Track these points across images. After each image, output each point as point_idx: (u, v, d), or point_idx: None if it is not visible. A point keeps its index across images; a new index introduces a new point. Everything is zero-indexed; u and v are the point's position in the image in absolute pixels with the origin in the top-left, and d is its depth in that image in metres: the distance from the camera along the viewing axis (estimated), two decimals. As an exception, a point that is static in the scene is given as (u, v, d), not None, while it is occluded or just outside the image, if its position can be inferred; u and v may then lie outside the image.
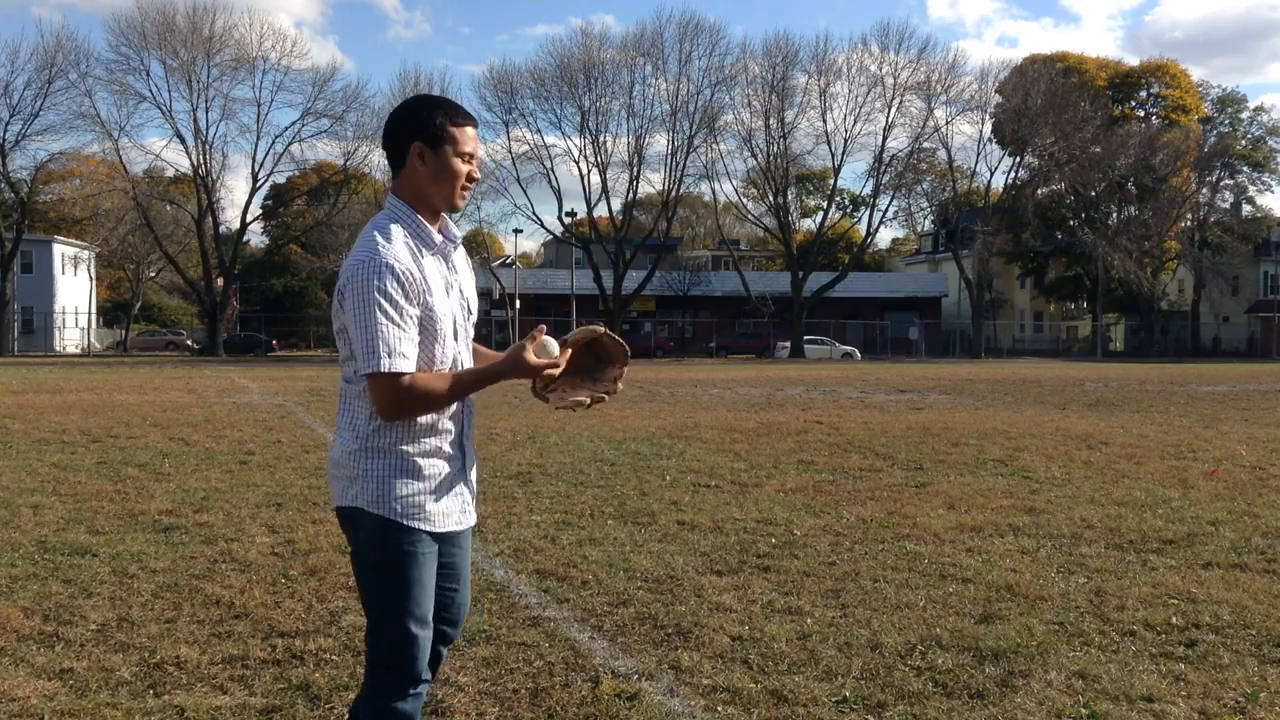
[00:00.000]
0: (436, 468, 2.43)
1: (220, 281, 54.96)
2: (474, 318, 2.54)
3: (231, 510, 6.72)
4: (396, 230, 2.36)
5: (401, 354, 2.27)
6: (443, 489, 2.44)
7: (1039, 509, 6.91)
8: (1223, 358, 58.65)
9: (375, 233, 2.35)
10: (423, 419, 2.40)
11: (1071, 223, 64.83)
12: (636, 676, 3.63)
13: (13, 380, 23.77)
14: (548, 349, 2.41)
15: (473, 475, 2.58)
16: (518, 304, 55.52)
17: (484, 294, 66.65)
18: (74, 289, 59.43)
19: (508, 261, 66.68)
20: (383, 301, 2.26)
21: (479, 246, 74.38)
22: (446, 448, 2.45)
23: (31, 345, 53.18)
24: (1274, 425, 13.55)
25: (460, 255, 2.53)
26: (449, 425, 2.46)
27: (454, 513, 2.48)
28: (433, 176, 2.39)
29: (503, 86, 56.24)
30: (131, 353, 55.69)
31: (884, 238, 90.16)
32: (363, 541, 2.41)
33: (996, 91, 60.37)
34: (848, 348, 56.86)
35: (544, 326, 2.47)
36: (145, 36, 51.22)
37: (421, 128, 2.38)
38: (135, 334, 61.48)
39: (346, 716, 2.62)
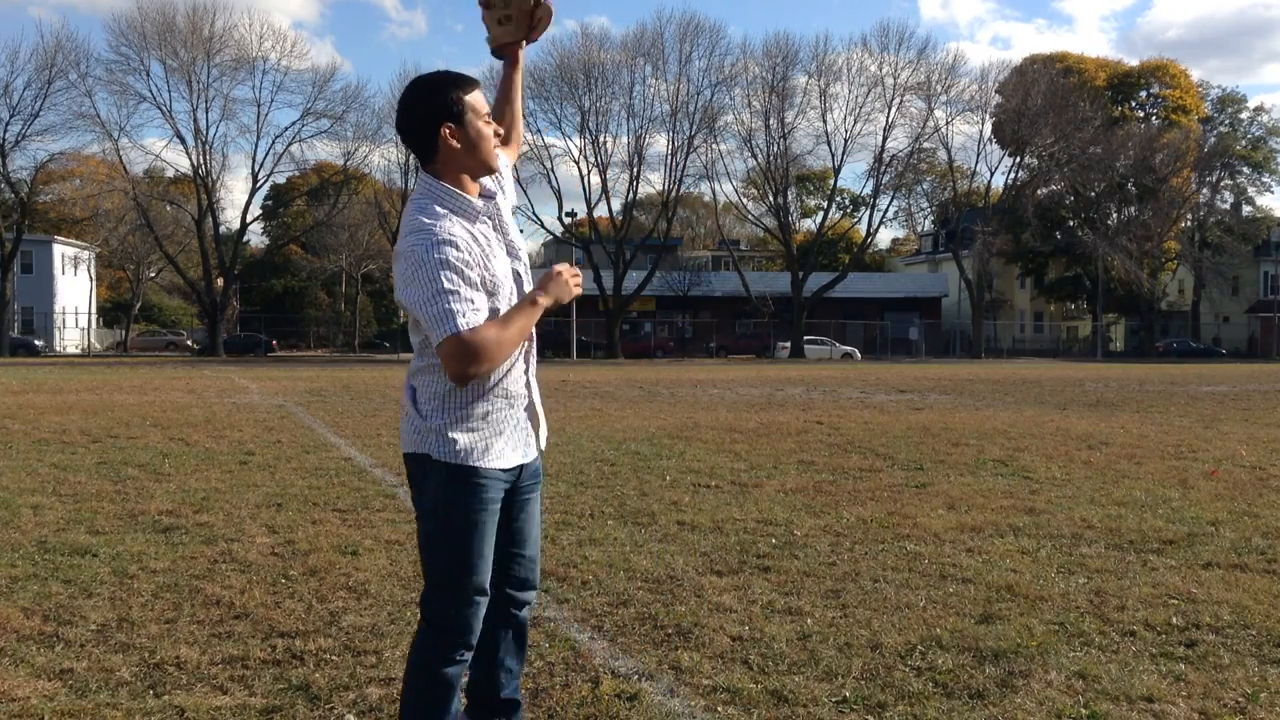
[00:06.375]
0: (503, 415, 2.52)
1: (220, 282, 54.98)
2: (526, 263, 2.58)
3: (231, 510, 6.72)
4: (439, 209, 2.40)
5: (475, 310, 2.31)
6: (508, 431, 2.53)
7: (1039, 509, 6.90)
8: (1222, 358, 58.65)
9: (420, 215, 2.38)
10: (492, 379, 2.46)
11: (1071, 223, 64.83)
12: (636, 677, 3.62)
13: (13, 380, 23.77)
14: None
15: (540, 411, 2.66)
16: (518, 304, 55.40)
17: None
18: (74, 289, 59.44)
19: (508, 262, 66.22)
20: (445, 271, 2.29)
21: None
22: (515, 392, 2.55)
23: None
24: (1274, 425, 13.54)
25: (504, 204, 2.55)
26: (517, 377, 2.54)
27: (518, 447, 2.56)
28: (468, 149, 2.44)
29: (503, 86, 56.19)
30: (131, 353, 55.69)
31: (884, 238, 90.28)
32: (429, 491, 2.46)
33: (996, 92, 60.42)
34: (848, 348, 56.87)
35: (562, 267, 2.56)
36: (145, 37, 51.32)
37: (443, 109, 2.43)
38: (135, 334, 61.51)
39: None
